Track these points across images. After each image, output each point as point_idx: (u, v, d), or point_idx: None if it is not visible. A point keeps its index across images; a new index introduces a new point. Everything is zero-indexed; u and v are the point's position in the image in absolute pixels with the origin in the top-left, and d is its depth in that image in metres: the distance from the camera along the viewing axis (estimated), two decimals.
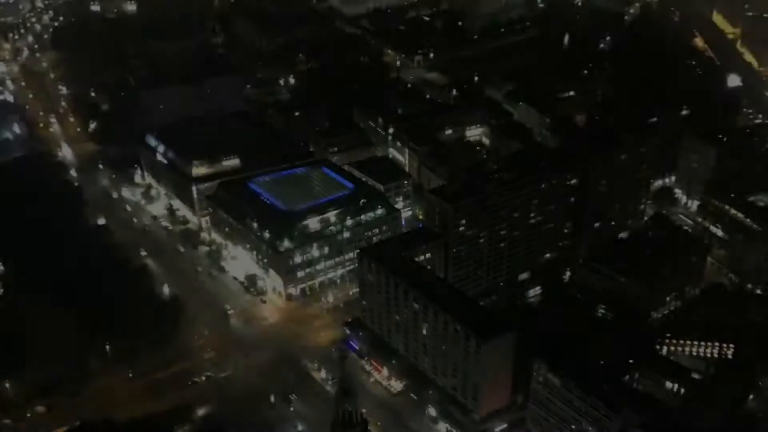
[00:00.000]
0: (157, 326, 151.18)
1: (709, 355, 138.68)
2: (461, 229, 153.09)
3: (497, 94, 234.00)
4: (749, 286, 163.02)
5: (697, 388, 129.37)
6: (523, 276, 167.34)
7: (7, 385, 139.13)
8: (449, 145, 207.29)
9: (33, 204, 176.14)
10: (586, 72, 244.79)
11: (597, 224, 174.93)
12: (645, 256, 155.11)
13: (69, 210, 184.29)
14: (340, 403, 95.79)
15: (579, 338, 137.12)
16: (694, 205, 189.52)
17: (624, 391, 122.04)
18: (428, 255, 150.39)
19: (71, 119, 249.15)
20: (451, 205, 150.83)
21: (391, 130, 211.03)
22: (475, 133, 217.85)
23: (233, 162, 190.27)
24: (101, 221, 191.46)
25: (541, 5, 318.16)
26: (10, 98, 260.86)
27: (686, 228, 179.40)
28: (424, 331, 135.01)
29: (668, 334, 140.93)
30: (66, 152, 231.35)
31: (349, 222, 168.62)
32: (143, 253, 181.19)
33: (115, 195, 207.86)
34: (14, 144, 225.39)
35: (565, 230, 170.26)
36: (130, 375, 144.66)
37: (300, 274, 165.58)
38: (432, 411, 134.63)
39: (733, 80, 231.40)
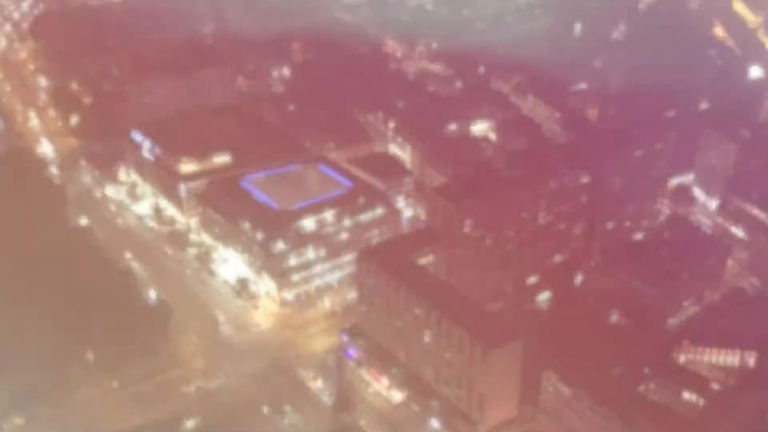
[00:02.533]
0: (142, 333, 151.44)
1: (729, 363, 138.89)
2: (466, 229, 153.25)
3: (504, 86, 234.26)
4: None
5: (717, 399, 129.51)
6: (532, 279, 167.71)
7: None
8: (453, 140, 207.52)
9: (10, 202, 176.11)
10: (598, 63, 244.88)
11: (610, 225, 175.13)
12: (661, 258, 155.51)
13: (49, 209, 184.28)
14: (337, 414, 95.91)
15: (591, 345, 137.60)
16: (713, 204, 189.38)
17: (639, 402, 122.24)
18: (431, 257, 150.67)
19: (52, 113, 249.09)
20: (455, 204, 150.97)
21: (391, 125, 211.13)
22: (480, 128, 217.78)
23: (224, 159, 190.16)
24: (83, 221, 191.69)
25: None
26: None
27: (705, 229, 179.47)
28: (427, 338, 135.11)
29: (686, 342, 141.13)
30: (46, 148, 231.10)
31: (347, 222, 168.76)
32: (128, 256, 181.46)
33: (98, 194, 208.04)
34: None
35: (577, 231, 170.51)
36: (115, 385, 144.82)
37: (295, 277, 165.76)
38: (435, 423, 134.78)
39: (755, 72, 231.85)
